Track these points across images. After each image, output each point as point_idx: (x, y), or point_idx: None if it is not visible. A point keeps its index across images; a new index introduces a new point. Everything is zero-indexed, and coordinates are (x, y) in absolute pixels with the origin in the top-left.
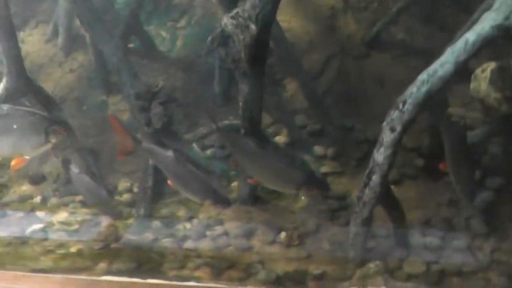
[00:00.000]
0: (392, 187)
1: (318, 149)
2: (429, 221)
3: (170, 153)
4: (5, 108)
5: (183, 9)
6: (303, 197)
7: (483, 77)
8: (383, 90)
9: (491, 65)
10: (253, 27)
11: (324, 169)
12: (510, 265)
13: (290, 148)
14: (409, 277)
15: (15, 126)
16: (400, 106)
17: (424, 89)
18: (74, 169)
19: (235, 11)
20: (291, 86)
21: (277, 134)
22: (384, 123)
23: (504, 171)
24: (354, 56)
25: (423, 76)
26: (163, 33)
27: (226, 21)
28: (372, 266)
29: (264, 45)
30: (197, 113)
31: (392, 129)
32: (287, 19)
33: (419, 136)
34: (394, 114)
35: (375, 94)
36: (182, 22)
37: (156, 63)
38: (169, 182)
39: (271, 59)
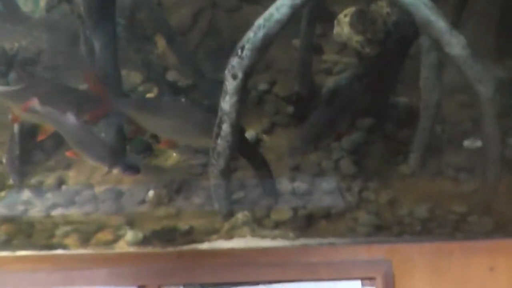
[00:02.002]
0: (264, 136)
1: None
2: (298, 167)
3: (71, 117)
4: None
5: None
6: (174, 154)
7: (345, 21)
8: None
9: (352, 10)
10: None
11: None
12: (377, 202)
13: None
14: (277, 224)
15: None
16: (239, 52)
17: (261, 33)
18: None
19: None
20: (162, 43)
21: (148, 92)
22: (226, 71)
23: (373, 111)
24: (225, 9)
25: (259, 21)
26: None
27: None
28: (240, 217)
29: None
30: (66, 76)
31: (234, 76)
32: None
33: (290, 84)
34: (234, 61)
35: None
36: None
37: (20, 26)
38: (68, 153)
39: (141, 15)
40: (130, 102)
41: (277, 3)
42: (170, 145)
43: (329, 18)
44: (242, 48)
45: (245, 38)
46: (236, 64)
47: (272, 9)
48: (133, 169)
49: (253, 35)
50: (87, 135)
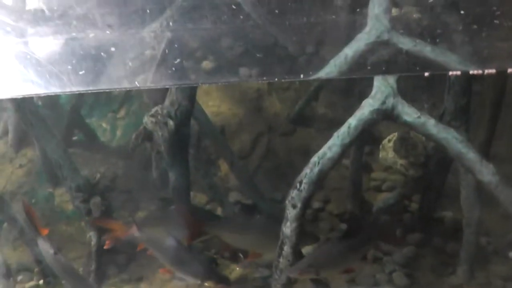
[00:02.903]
0: None
1: None
2: (354, 279)
3: (171, 240)
4: None
5: (121, 100)
6: (237, 268)
7: (389, 146)
8: None
9: (395, 136)
10: (171, 123)
11: None
12: None
13: None
14: None
15: None
16: (298, 186)
17: (316, 169)
18: (50, 250)
19: (154, 109)
20: (225, 166)
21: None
22: (287, 201)
23: (422, 227)
24: (281, 133)
25: (314, 158)
26: (104, 124)
27: (147, 119)
28: None
29: (183, 138)
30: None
31: (294, 206)
32: (217, 104)
33: (342, 202)
34: (294, 193)
35: (303, 166)
36: (121, 113)
37: (98, 153)
38: (162, 270)
39: (206, 142)
40: (218, 223)
41: (329, 143)
42: (257, 258)
43: (376, 139)
44: (300, 182)
45: (302, 173)
46: (295, 196)
47: (325, 149)
48: (225, 281)
49: (309, 171)
50: (185, 255)
